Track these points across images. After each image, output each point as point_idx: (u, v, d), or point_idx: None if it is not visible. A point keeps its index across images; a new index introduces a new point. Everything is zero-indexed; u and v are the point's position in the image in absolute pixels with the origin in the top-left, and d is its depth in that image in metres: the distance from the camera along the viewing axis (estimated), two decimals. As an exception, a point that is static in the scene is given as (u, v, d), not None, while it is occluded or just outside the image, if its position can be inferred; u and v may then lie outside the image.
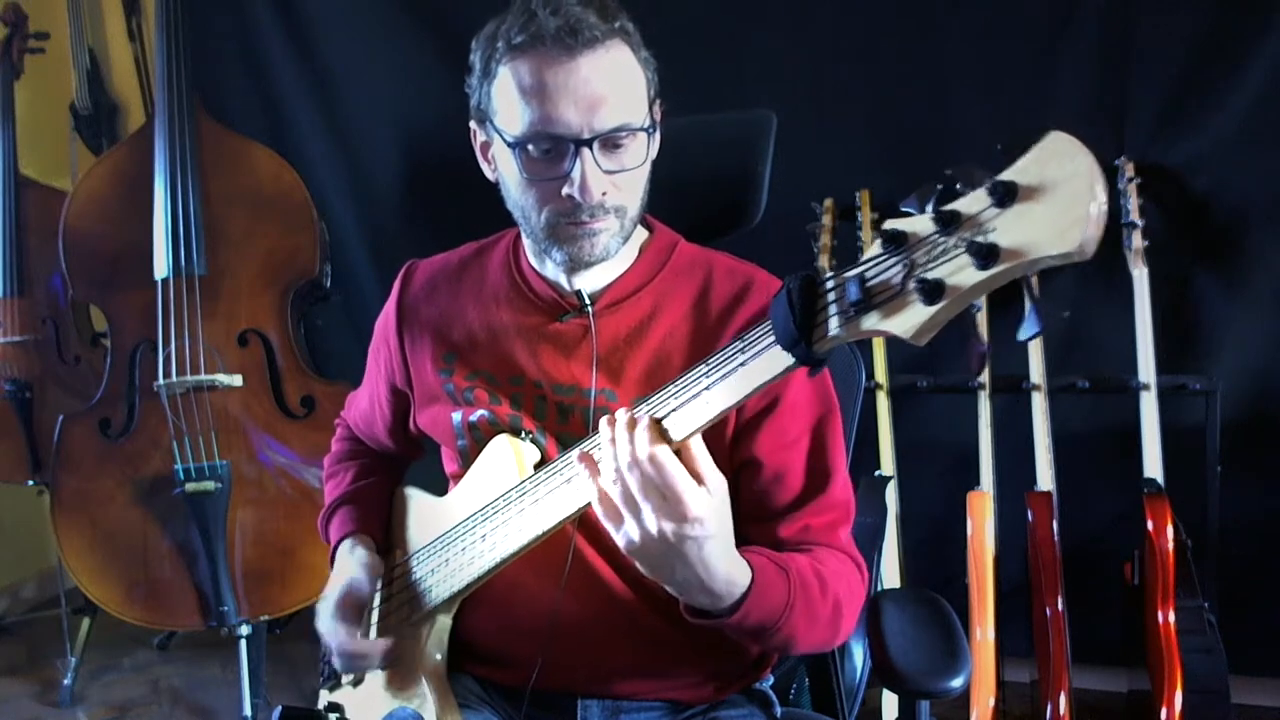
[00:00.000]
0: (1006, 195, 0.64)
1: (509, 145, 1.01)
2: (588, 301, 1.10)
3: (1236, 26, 1.99)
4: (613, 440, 0.87)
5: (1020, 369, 2.05)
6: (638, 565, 0.89)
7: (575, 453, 0.94)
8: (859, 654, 1.34)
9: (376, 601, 1.19)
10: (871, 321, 0.72)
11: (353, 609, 1.15)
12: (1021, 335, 0.75)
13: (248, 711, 2.26)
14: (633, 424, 0.86)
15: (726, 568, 0.90)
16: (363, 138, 2.61)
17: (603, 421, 0.89)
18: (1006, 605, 1.97)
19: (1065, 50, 2.10)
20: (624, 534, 0.87)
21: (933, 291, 0.67)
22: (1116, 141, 2.09)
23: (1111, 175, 2.07)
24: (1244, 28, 1.99)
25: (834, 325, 0.74)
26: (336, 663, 1.16)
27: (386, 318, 1.23)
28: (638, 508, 0.85)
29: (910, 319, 0.69)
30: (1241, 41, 1.99)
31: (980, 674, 1.87)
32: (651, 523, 0.85)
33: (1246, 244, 2.07)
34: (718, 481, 0.88)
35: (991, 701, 1.87)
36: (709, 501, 0.85)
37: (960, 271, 0.66)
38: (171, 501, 2.30)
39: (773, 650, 1.14)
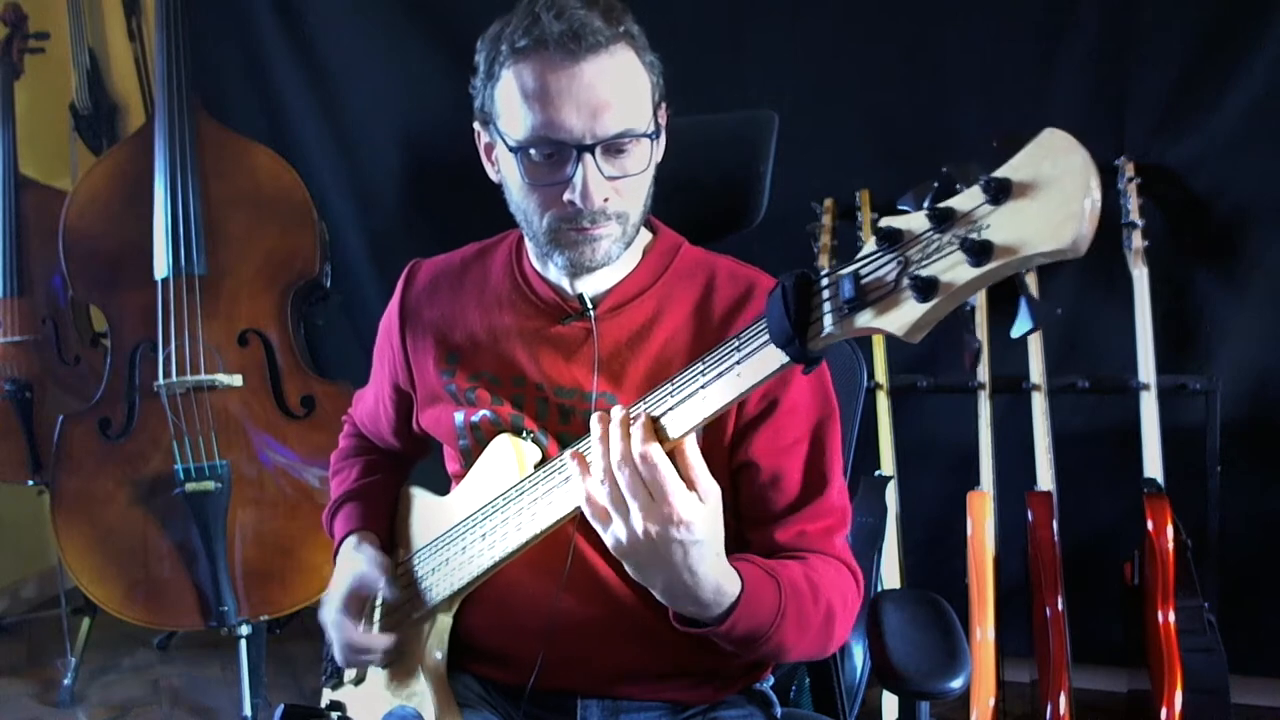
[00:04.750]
0: (1000, 192, 0.64)
1: (511, 149, 1.01)
2: (589, 305, 1.10)
3: (1236, 26, 1.99)
4: (603, 437, 0.87)
5: (1020, 369, 2.05)
6: (626, 568, 0.89)
7: (570, 451, 0.94)
8: (859, 654, 1.34)
9: (380, 599, 1.19)
10: (865, 319, 0.72)
11: (358, 603, 1.16)
12: (1015, 332, 0.75)
13: (248, 711, 2.27)
14: (627, 421, 0.86)
15: (715, 577, 0.90)
16: (363, 138, 2.61)
17: (594, 418, 0.88)
18: (1006, 605, 1.97)
19: (1065, 50, 2.09)
20: (611, 534, 0.87)
21: (926, 289, 0.67)
22: (1116, 141, 2.09)
23: (1111, 175, 2.07)
24: (1244, 28, 1.99)
25: (828, 323, 0.74)
26: (338, 656, 1.17)
27: (390, 317, 1.22)
28: (626, 507, 0.85)
29: (903, 316, 0.69)
30: (1241, 41, 1.99)
31: (980, 674, 1.87)
32: (638, 523, 0.85)
33: (1246, 244, 2.07)
34: (711, 489, 0.87)
35: (991, 701, 1.87)
36: (699, 508, 0.85)
37: (953, 269, 0.66)
38: (171, 501, 2.30)
39: (763, 659, 1.14)
